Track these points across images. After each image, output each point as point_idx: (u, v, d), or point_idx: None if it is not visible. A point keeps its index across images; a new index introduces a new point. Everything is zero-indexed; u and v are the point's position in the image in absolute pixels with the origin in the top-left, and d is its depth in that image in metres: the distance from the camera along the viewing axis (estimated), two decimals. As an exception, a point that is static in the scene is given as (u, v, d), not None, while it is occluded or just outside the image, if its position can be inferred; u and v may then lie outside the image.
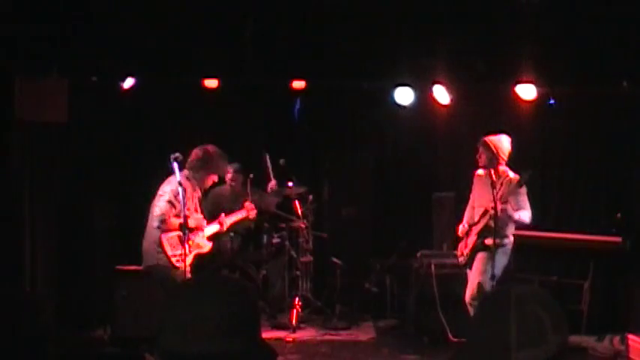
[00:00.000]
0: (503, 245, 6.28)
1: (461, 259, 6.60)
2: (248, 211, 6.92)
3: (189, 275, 5.84)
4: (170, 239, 5.81)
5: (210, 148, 6.16)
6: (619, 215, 7.55)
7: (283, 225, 8.29)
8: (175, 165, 5.81)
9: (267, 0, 7.11)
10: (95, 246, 7.70)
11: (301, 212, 8.27)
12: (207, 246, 6.16)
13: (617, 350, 6.82)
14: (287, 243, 8.23)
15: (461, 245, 6.64)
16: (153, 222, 5.85)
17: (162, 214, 5.79)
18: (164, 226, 5.81)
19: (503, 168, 6.30)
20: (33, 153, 7.26)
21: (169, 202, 5.82)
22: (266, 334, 7.31)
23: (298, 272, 8.28)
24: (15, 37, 6.68)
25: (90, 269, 7.62)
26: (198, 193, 6.23)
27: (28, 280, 7.12)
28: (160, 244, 5.79)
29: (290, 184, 8.22)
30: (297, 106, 9.19)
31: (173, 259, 5.77)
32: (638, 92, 7.28)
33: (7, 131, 6.93)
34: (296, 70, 7.60)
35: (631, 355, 6.62)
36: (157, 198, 5.90)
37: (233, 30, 7.04)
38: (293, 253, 8.27)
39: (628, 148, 7.99)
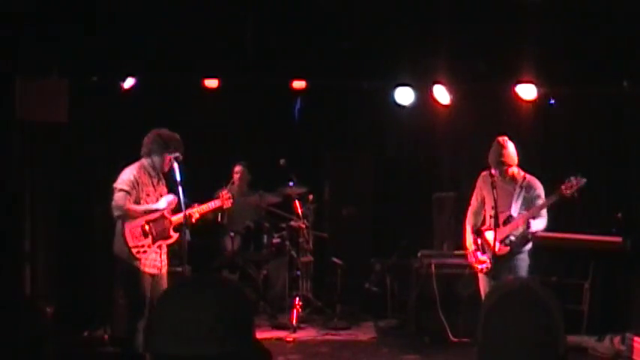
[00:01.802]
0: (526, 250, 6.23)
1: (482, 267, 6.17)
2: (223, 200, 6.61)
3: (151, 268, 5.83)
4: (133, 230, 5.79)
5: (159, 130, 5.92)
6: (619, 215, 7.55)
7: (284, 225, 8.30)
8: (175, 165, 5.82)
9: (267, 0, 7.11)
10: (95, 246, 7.69)
11: (301, 212, 8.27)
12: (173, 237, 6.04)
13: (617, 350, 6.82)
14: (287, 243, 8.23)
15: (475, 252, 6.25)
16: (113, 212, 5.86)
17: (116, 202, 5.76)
18: (125, 213, 5.78)
19: (515, 169, 6.20)
20: (33, 153, 7.26)
21: (121, 190, 5.78)
22: (266, 334, 7.32)
23: (299, 272, 8.28)
24: (15, 37, 6.68)
25: (90, 269, 7.62)
26: (163, 182, 6.05)
27: (28, 280, 7.12)
28: (123, 234, 5.77)
29: (290, 184, 8.22)
30: (297, 106, 9.19)
31: (134, 250, 5.75)
32: (638, 92, 7.28)
33: (7, 131, 6.93)
34: (296, 70, 7.60)
35: (634, 357, 6.61)
36: (115, 190, 5.84)
37: (233, 30, 7.05)
38: (293, 253, 8.27)
39: (628, 148, 7.98)
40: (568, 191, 5.99)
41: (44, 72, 6.86)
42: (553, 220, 8.09)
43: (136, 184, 5.83)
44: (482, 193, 6.30)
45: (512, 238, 6.05)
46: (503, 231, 6.05)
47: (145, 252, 5.76)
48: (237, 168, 8.42)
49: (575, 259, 7.77)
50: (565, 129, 8.39)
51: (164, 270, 5.94)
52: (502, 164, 6.06)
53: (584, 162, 8.31)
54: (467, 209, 6.49)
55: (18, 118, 6.77)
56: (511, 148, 6.10)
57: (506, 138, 6.14)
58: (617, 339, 6.88)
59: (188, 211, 6.04)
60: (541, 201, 6.14)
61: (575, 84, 7.44)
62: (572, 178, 6.03)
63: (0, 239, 6.75)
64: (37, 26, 6.73)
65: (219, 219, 7.88)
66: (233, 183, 8.39)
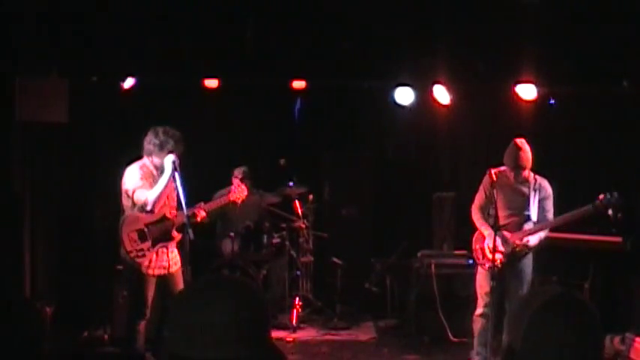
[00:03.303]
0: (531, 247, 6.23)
1: (489, 265, 6.12)
2: (233, 193, 6.47)
3: (158, 269, 5.75)
4: (130, 234, 5.68)
5: (156, 129, 5.77)
6: (619, 215, 7.53)
7: (284, 225, 8.30)
8: (173, 165, 5.76)
9: (267, 0, 7.11)
10: (95, 246, 7.70)
11: (301, 212, 8.27)
12: (175, 237, 5.88)
13: (617, 350, 6.81)
14: (287, 243, 8.23)
15: (483, 247, 6.19)
16: (146, 209, 5.75)
17: (140, 201, 5.65)
18: (153, 203, 5.66)
19: (527, 171, 6.19)
20: (33, 153, 7.26)
21: (137, 189, 5.67)
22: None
23: (298, 272, 8.29)
24: (15, 37, 6.68)
25: (90, 269, 7.62)
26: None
27: (28, 280, 7.12)
28: (121, 239, 5.69)
29: (290, 183, 8.22)
30: (297, 106, 9.20)
31: (131, 254, 5.65)
32: (638, 92, 7.28)
33: (7, 131, 6.93)
34: (296, 70, 7.60)
35: (634, 357, 6.61)
36: (130, 194, 5.73)
37: (233, 30, 7.05)
38: (293, 253, 8.28)
39: (628, 148, 7.98)
40: (602, 207, 5.97)
41: (44, 72, 6.86)
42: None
43: (143, 180, 5.74)
44: (491, 190, 6.31)
45: (531, 239, 6.06)
46: (522, 232, 6.06)
47: (143, 255, 5.68)
48: (237, 173, 8.28)
49: (575, 259, 7.76)
50: (565, 129, 8.38)
51: (174, 269, 5.84)
52: (519, 167, 6.06)
53: (584, 162, 8.32)
54: (467, 208, 6.47)
55: (18, 118, 6.77)
56: (528, 150, 6.10)
57: (523, 140, 6.13)
58: (617, 339, 6.87)
59: (193, 210, 5.97)
60: (550, 202, 6.16)
61: (575, 84, 7.43)
62: (608, 194, 5.98)
63: (0, 239, 6.75)
64: (37, 26, 6.73)
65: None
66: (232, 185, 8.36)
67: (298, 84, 8.07)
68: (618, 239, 7.33)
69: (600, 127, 8.18)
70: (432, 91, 7.85)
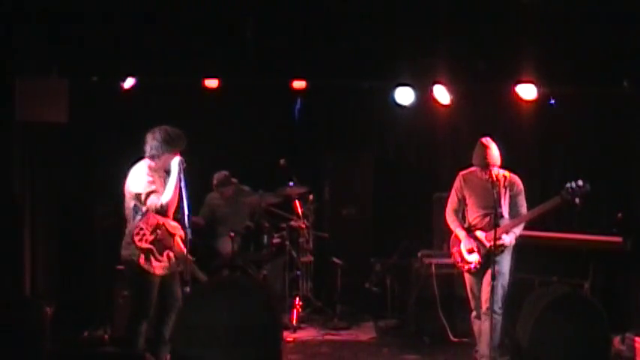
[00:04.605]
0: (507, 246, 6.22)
1: (470, 267, 6.24)
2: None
3: (160, 270, 5.71)
4: (152, 216, 5.62)
5: (161, 129, 5.71)
6: (620, 215, 7.54)
7: (284, 225, 8.29)
8: (179, 167, 5.71)
9: (267, 0, 7.11)
10: (95, 246, 7.69)
11: (302, 212, 8.27)
12: (164, 259, 5.81)
13: (617, 350, 6.81)
14: (287, 243, 8.23)
15: (460, 251, 6.30)
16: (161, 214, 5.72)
17: (155, 206, 5.58)
18: (167, 206, 5.63)
19: (496, 169, 6.21)
20: (33, 153, 7.26)
21: (150, 193, 5.61)
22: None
23: (299, 272, 8.28)
24: (15, 37, 6.68)
25: (90, 269, 7.62)
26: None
27: (28, 280, 7.12)
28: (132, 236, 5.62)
29: (290, 183, 8.22)
30: (297, 106, 9.19)
31: (135, 230, 5.57)
32: (638, 92, 7.28)
33: (7, 131, 6.92)
34: (296, 70, 7.60)
35: (634, 357, 6.61)
36: (142, 198, 5.66)
37: (233, 30, 7.05)
38: (293, 253, 8.27)
39: (628, 148, 7.98)
40: (568, 196, 5.99)
41: (44, 72, 6.86)
42: (554, 220, 8.12)
43: (152, 183, 5.69)
44: (462, 192, 6.36)
45: (505, 237, 6.07)
46: (498, 230, 6.06)
47: (139, 238, 5.60)
48: (214, 179, 8.24)
49: (575, 259, 7.76)
50: (565, 129, 8.38)
51: (172, 269, 5.81)
52: (487, 165, 6.09)
53: (584, 162, 8.32)
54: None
55: (18, 118, 6.77)
56: (494, 148, 6.16)
57: (489, 139, 6.19)
58: (617, 339, 6.88)
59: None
60: (522, 198, 6.19)
61: (575, 84, 7.43)
62: (573, 183, 6.00)
63: (0, 239, 6.75)
64: (37, 26, 6.72)
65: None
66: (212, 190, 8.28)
67: (298, 84, 8.07)
68: (618, 239, 7.33)
69: (600, 127, 8.18)
70: (432, 91, 7.85)
